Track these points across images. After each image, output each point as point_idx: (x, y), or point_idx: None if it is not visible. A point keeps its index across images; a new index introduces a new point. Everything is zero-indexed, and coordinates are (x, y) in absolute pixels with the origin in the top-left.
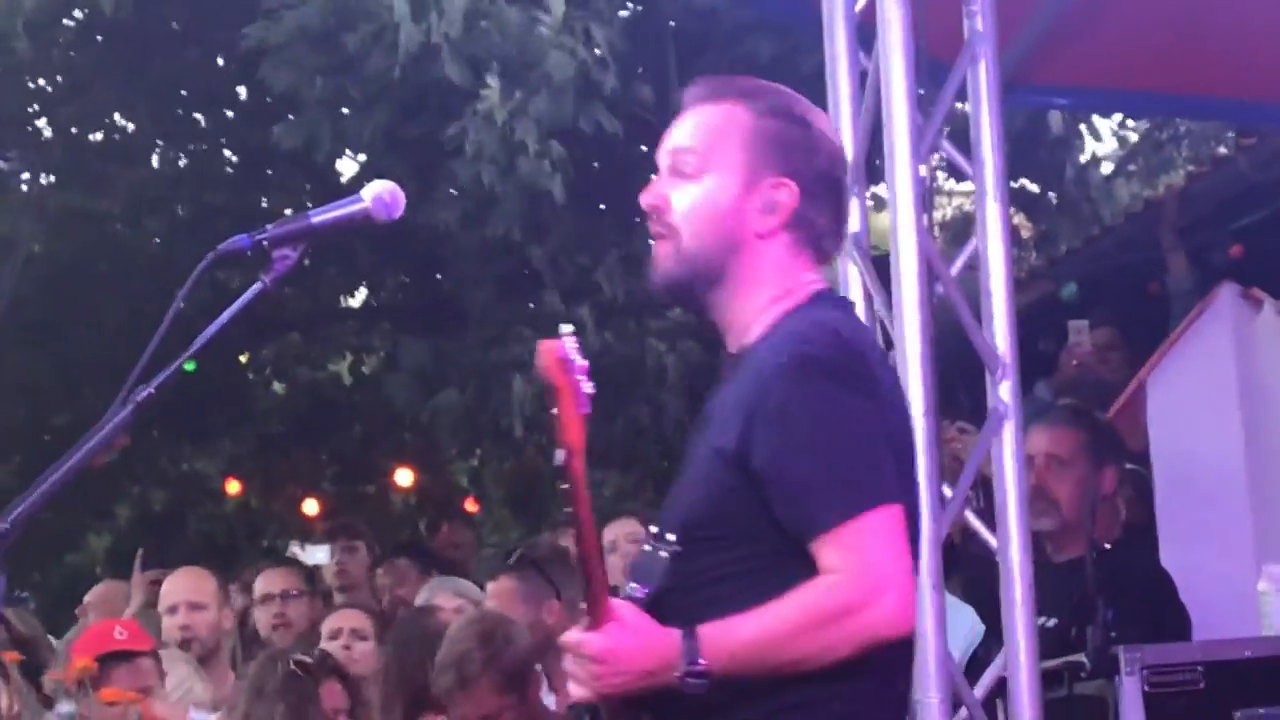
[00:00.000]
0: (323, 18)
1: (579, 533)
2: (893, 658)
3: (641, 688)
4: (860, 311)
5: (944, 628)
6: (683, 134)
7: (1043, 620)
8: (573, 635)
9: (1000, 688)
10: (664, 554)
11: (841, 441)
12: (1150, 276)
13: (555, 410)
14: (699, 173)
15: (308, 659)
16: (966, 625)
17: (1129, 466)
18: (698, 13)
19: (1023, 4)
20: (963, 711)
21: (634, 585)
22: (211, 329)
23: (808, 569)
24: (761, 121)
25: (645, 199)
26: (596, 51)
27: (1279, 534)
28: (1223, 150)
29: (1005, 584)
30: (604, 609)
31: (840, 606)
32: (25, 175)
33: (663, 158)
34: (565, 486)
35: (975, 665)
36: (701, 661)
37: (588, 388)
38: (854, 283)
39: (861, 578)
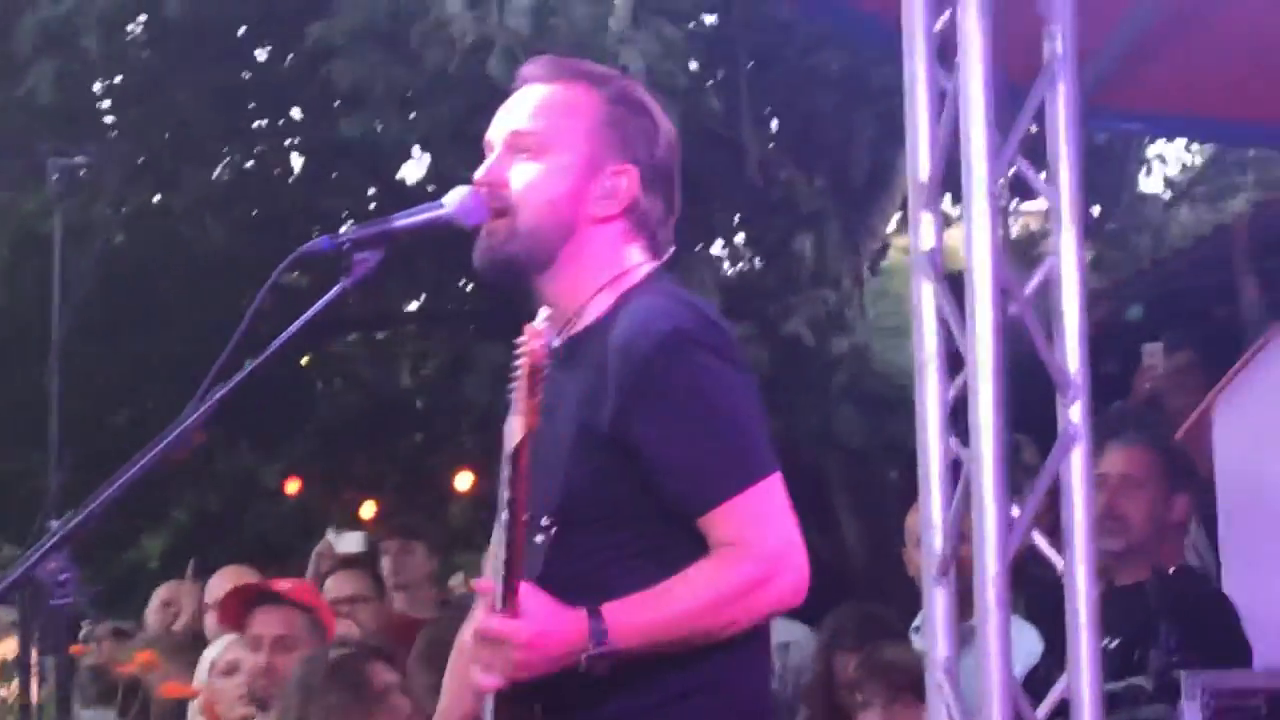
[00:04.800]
0: (385, 14)
1: (513, 517)
2: (767, 623)
3: (549, 670)
4: (932, 329)
5: (1008, 648)
6: (524, 113)
7: (1105, 641)
8: (491, 622)
9: (1062, 708)
10: (539, 539)
11: (725, 414)
12: (1220, 301)
13: (521, 395)
14: (541, 152)
15: (346, 648)
16: (1027, 644)
17: None
18: (771, 27)
19: (1102, 27)
20: None
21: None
22: (293, 328)
23: (692, 546)
24: (608, 107)
25: (481, 175)
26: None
27: None
28: None
29: (1070, 605)
30: (518, 595)
31: (746, 582)
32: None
33: (498, 134)
34: (509, 471)
35: (1034, 683)
36: (608, 641)
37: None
38: (927, 300)
39: (763, 550)
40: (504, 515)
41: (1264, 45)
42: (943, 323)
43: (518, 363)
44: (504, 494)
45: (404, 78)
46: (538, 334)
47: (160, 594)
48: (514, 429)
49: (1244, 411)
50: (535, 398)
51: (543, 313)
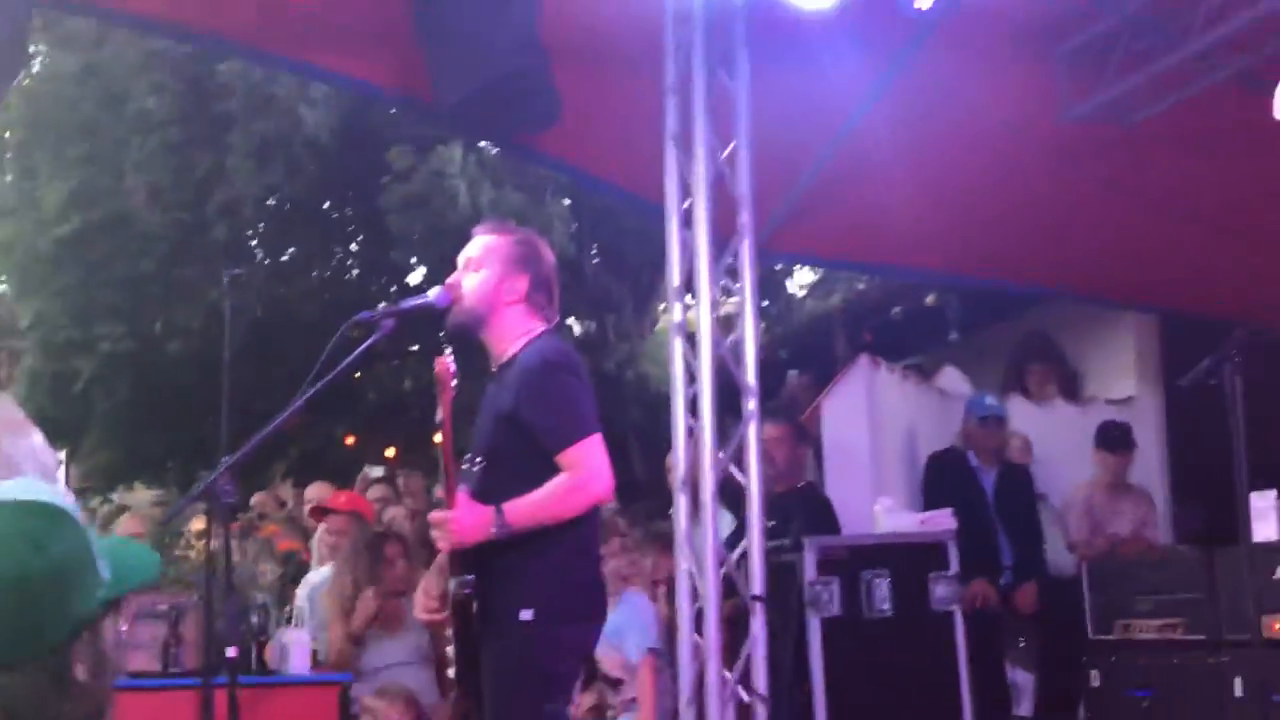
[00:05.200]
0: (421, 191)
1: (445, 458)
2: (595, 515)
3: (475, 540)
4: (680, 362)
5: (718, 525)
6: (473, 249)
7: (768, 522)
8: (437, 514)
9: (744, 557)
10: (476, 469)
11: (570, 402)
12: (826, 350)
13: (440, 394)
14: (479, 268)
15: (379, 529)
16: (727, 523)
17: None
18: (602, 204)
19: (768, 205)
20: (724, 568)
21: (462, 487)
22: (351, 357)
23: (553, 474)
24: (515, 246)
25: (449, 280)
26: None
27: (886, 483)
28: (861, 285)
29: (748, 502)
30: (454, 499)
31: (576, 485)
32: (243, 277)
33: (460, 259)
34: (439, 433)
35: (730, 543)
36: (506, 522)
37: (454, 382)
38: (677, 347)
39: (587, 471)
40: (440, 457)
41: (863, 212)
42: (685, 360)
43: (435, 377)
44: (440, 447)
45: (428, 228)
46: (442, 362)
47: (255, 498)
48: (440, 413)
49: (836, 406)
50: (447, 395)
51: (448, 351)
